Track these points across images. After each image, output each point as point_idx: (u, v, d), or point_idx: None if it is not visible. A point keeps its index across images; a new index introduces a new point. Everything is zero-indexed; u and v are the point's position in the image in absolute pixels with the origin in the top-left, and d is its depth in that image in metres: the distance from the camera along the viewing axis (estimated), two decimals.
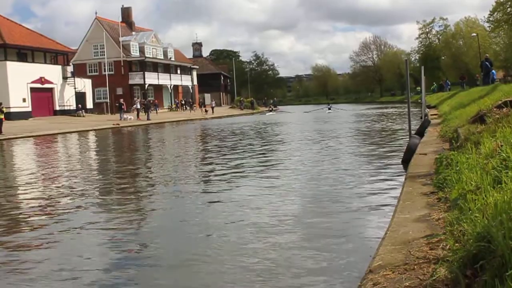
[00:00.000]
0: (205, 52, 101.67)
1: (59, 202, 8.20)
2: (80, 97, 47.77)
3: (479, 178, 4.14)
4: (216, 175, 10.40)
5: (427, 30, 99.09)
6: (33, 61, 43.75)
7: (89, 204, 7.86)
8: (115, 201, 8.11)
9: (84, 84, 49.50)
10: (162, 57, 65.33)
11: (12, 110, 37.09)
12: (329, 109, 52.14)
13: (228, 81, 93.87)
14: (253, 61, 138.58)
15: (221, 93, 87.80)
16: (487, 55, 35.74)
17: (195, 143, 20.69)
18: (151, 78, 59.63)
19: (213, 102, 62.31)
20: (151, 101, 50.90)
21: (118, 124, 36.12)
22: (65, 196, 8.66)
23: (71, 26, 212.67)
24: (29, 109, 41.04)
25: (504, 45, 58.24)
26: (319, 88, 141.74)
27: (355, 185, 8.39)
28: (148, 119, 41.60)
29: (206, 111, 52.10)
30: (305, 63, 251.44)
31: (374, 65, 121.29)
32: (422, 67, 20.76)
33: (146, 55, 60.39)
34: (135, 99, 51.10)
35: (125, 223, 6.47)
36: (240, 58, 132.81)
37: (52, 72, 44.78)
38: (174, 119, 43.43)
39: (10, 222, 6.86)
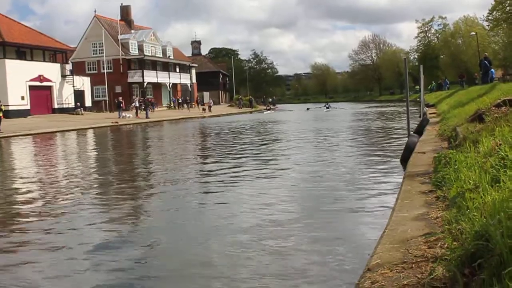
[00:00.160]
0: (204, 51, 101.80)
1: (56, 201, 8.19)
2: (78, 95, 47.69)
3: (477, 176, 4.14)
4: (214, 175, 10.40)
5: (426, 29, 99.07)
6: (32, 59, 43.69)
7: (87, 203, 7.85)
8: (113, 200, 8.10)
9: (83, 82, 49.44)
10: (161, 55, 65.25)
11: (10, 108, 37.04)
12: (327, 107, 52.23)
13: (227, 79, 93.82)
14: (252, 60, 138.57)
15: (220, 92, 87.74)
16: (486, 54, 35.73)
17: (193, 142, 20.67)
18: (150, 76, 59.55)
19: (211, 101, 62.28)
20: (149, 100, 50.86)
21: (117, 122, 36.10)
22: (63, 195, 8.65)
23: (70, 24, 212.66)
24: (28, 107, 40.98)
25: (503, 44, 58.23)
26: (318, 87, 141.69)
27: (353, 184, 8.39)
28: (146, 117, 41.57)
29: (204, 109, 52.04)
30: (304, 61, 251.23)
31: (373, 64, 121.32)
32: (421, 66, 20.77)
33: (145, 53, 60.33)
34: (134, 97, 51.05)
35: (123, 223, 6.47)
36: (239, 56, 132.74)
37: (51, 70, 44.71)
38: (172, 118, 43.42)
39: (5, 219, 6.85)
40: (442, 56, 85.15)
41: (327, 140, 17.29)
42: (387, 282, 2.82)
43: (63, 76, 46.37)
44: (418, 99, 32.72)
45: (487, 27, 56.31)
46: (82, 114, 44.28)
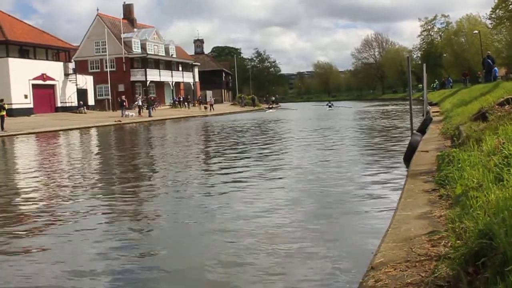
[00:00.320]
0: (207, 49, 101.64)
1: (58, 201, 8.21)
2: (81, 93, 47.77)
3: (481, 175, 4.13)
4: (216, 174, 10.42)
5: (429, 27, 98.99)
6: (35, 58, 43.78)
7: (89, 205, 7.86)
8: (115, 200, 8.12)
9: (86, 81, 49.51)
10: (163, 54, 65.29)
11: (14, 106, 37.11)
12: (330, 106, 52.17)
13: (230, 78, 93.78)
14: (254, 58, 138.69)
15: (223, 90, 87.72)
16: (489, 52, 35.62)
17: (196, 140, 20.68)
18: (153, 75, 59.61)
19: (212, 99, 62.25)
20: (152, 98, 50.89)
21: (120, 121, 36.17)
22: (65, 196, 8.67)
23: (73, 23, 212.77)
24: (31, 105, 41.07)
25: (506, 42, 58.07)
26: (321, 85, 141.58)
27: (356, 182, 8.38)
28: (149, 116, 41.62)
29: (205, 108, 52.08)
30: (306, 60, 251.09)
31: (376, 62, 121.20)
32: (424, 64, 20.70)
33: (148, 52, 60.37)
34: (136, 96, 51.12)
35: (128, 224, 6.48)
36: (242, 55, 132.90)
37: (54, 69, 44.79)
38: (175, 116, 43.46)
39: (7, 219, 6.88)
40: (445, 55, 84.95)
41: (329, 138, 17.28)
42: (391, 280, 2.82)
43: (66, 74, 46.44)
44: (421, 98, 32.64)
45: (490, 26, 56.11)
46: (85, 113, 44.34)
